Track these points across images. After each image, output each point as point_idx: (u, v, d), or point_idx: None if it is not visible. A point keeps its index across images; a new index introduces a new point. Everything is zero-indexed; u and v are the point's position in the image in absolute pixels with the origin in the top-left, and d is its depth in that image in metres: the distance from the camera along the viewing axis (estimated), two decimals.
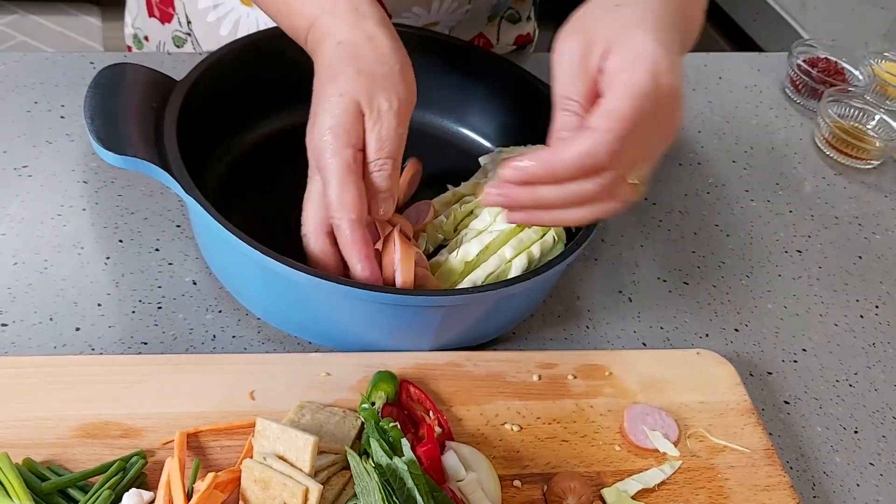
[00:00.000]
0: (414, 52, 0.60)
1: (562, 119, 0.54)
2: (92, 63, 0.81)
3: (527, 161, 0.51)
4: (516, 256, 0.62)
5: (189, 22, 0.88)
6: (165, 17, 0.90)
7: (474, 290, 0.58)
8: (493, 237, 0.62)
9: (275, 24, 0.66)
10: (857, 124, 0.95)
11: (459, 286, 0.61)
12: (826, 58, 1.03)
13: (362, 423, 0.53)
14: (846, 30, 1.23)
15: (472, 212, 0.68)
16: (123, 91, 0.62)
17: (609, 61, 0.52)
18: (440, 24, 0.87)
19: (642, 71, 0.51)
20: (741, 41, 1.35)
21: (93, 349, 0.59)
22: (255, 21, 0.84)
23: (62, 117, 0.76)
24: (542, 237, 0.64)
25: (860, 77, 1.02)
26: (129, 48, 0.97)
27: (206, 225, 0.56)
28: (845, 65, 1.04)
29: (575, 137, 0.51)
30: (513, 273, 0.61)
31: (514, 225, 0.63)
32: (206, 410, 0.54)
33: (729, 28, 1.38)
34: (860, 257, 0.82)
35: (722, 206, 0.84)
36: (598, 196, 0.52)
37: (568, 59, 0.54)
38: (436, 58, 0.76)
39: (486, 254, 0.62)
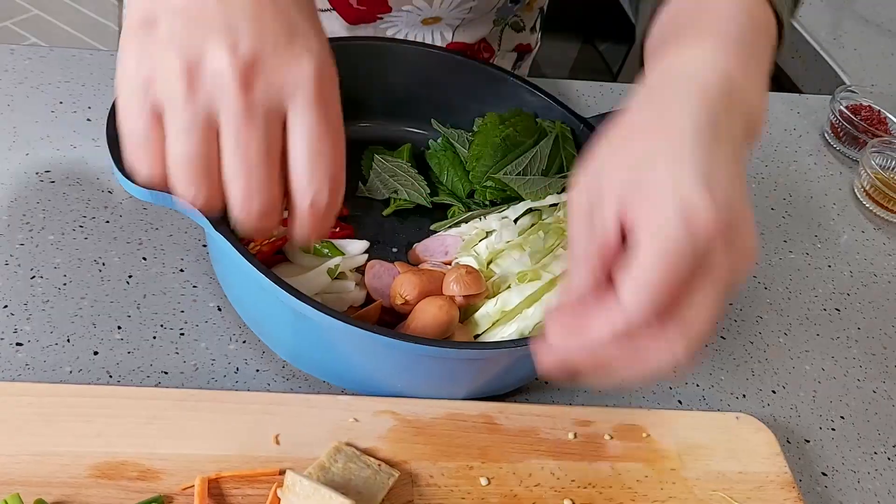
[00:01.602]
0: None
1: (576, 277, 0.43)
2: None
3: (561, 339, 0.41)
4: None
5: None
6: None
7: (523, 341, 0.55)
8: (536, 287, 0.59)
9: None
10: None
11: (500, 336, 0.58)
12: (869, 105, 1.01)
13: (392, 485, 0.50)
14: (885, 73, 1.20)
15: (503, 249, 0.65)
16: None
17: (631, 205, 0.40)
18: (442, 21, 0.84)
19: (667, 223, 0.39)
20: (776, 78, 1.32)
21: (110, 376, 0.56)
22: None
23: (88, 120, 0.73)
24: None
25: None
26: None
27: (236, 265, 0.52)
28: (888, 114, 1.01)
29: (604, 314, 0.40)
30: None
31: (558, 272, 0.61)
32: (228, 454, 0.51)
33: None
34: None
35: (760, 255, 0.82)
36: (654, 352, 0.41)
37: (577, 210, 0.43)
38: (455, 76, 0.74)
39: (527, 301, 0.59)
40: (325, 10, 0.80)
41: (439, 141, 0.74)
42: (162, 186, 0.42)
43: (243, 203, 0.41)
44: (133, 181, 0.52)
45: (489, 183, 0.69)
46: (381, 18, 0.81)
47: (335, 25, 0.81)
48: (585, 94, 0.94)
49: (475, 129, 0.72)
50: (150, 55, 0.40)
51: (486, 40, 0.90)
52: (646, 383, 0.41)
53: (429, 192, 0.71)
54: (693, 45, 0.46)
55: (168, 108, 0.40)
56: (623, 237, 0.41)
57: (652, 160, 0.41)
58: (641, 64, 0.52)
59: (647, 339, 0.41)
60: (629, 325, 0.40)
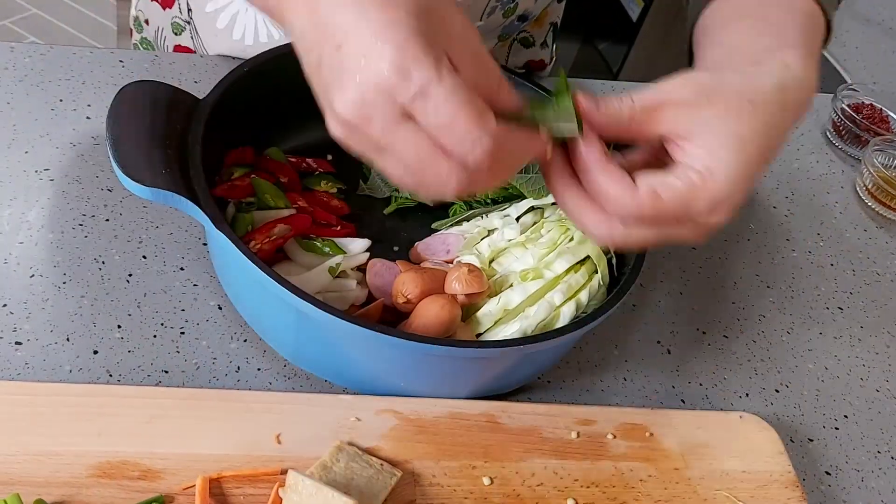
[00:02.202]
0: None
1: (619, 104, 0.48)
2: (122, 61, 0.78)
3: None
4: (565, 304, 0.59)
5: (190, 10, 0.84)
6: (167, 3, 0.87)
7: (527, 340, 0.55)
8: (538, 285, 0.59)
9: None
10: None
11: (502, 335, 0.58)
12: (871, 104, 1.00)
13: (395, 485, 0.50)
14: (887, 71, 1.20)
15: (505, 248, 0.65)
16: (146, 112, 0.57)
17: (697, 150, 0.47)
18: None
19: (707, 193, 0.47)
20: None
21: (110, 375, 0.56)
22: (254, 17, 0.81)
23: (88, 118, 0.72)
24: (588, 281, 0.61)
25: None
26: (131, 31, 0.94)
27: (237, 264, 0.52)
28: (890, 112, 1.01)
29: (615, 176, 0.47)
30: (562, 320, 0.58)
31: (561, 271, 0.60)
32: (230, 453, 0.51)
33: None
34: None
35: (763, 254, 0.81)
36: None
37: (669, 92, 0.48)
38: None
39: (530, 300, 0.59)
40: None
41: None
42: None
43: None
44: (133, 179, 0.52)
45: None
46: None
47: None
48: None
49: None
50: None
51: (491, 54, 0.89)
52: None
53: None
54: (772, 48, 0.53)
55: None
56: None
57: (733, 141, 0.47)
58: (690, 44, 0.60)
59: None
60: (623, 200, 0.47)
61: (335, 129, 0.44)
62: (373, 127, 0.42)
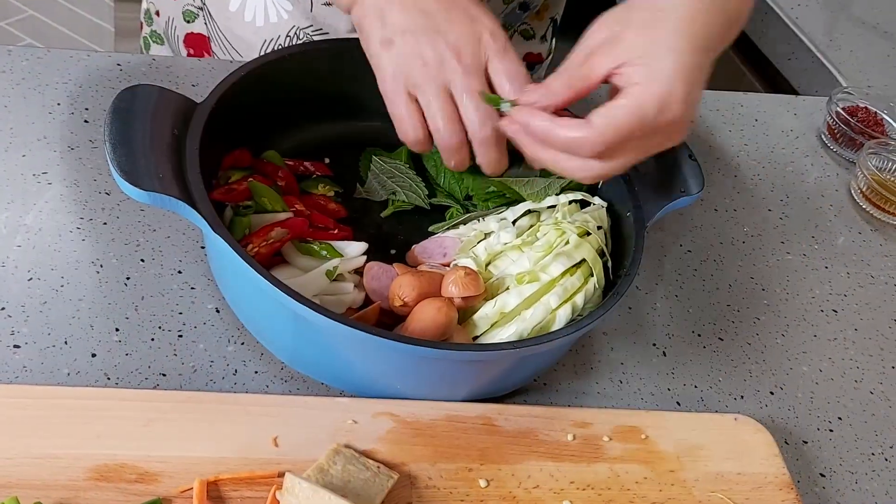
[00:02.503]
0: None
1: (557, 83, 0.57)
2: (119, 65, 0.78)
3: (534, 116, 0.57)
4: (561, 307, 0.59)
5: None
6: None
7: (523, 343, 0.55)
8: (535, 288, 0.59)
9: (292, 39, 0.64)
10: (895, 179, 0.93)
11: (499, 338, 0.58)
12: (866, 107, 1.01)
13: (391, 487, 0.50)
14: (881, 75, 1.21)
15: (502, 251, 0.65)
16: (144, 116, 0.58)
17: (630, 68, 0.55)
18: None
19: (652, 96, 0.54)
20: (772, 79, 1.32)
21: (108, 378, 0.56)
22: (264, 2, 0.82)
23: (86, 121, 0.72)
24: (584, 284, 0.62)
25: None
26: (141, 25, 0.95)
27: (235, 267, 0.52)
28: (885, 115, 1.01)
29: (571, 123, 0.55)
30: (558, 323, 0.59)
31: (557, 274, 0.61)
32: (227, 456, 0.51)
33: (760, 64, 1.35)
34: (895, 321, 0.80)
35: (758, 257, 0.82)
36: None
37: (590, 41, 0.57)
38: None
39: (526, 303, 0.59)
40: (326, 4, 0.80)
41: None
42: (426, 146, 0.61)
43: (482, 120, 0.60)
44: (131, 183, 0.52)
45: (491, 189, 0.69)
46: None
47: (343, 24, 0.81)
48: None
49: None
50: (395, 66, 0.59)
51: None
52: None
53: (427, 193, 0.71)
54: None
55: (421, 91, 0.59)
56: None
57: (665, 43, 0.54)
58: None
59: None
60: (580, 141, 0.54)
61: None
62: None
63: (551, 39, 0.98)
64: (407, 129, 0.60)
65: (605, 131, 0.54)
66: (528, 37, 0.94)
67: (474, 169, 0.70)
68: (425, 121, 0.60)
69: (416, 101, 0.60)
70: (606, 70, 0.56)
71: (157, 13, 0.91)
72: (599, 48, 0.56)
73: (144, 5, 0.94)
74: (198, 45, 0.89)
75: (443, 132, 0.60)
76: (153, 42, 0.93)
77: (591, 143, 0.54)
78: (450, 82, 0.59)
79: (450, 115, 0.59)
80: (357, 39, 0.62)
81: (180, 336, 0.60)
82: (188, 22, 0.88)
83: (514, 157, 0.70)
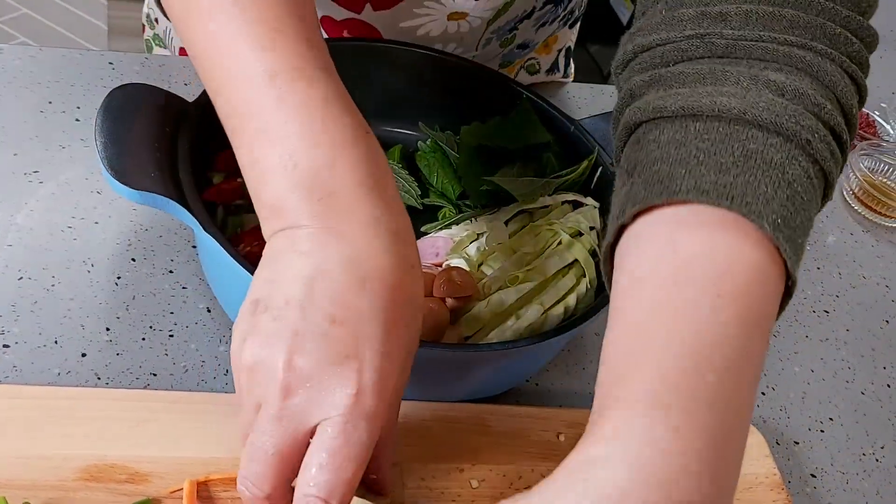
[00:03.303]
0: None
1: None
2: (111, 64, 0.78)
3: None
4: (553, 307, 0.59)
5: None
6: None
7: (515, 343, 0.55)
8: (527, 289, 0.59)
9: None
10: (886, 180, 0.93)
11: (490, 338, 0.58)
12: None
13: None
14: (874, 77, 1.21)
15: (494, 251, 0.65)
16: (136, 115, 0.57)
17: None
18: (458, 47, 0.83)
19: None
20: None
21: (98, 378, 0.56)
22: None
23: (77, 120, 0.72)
24: (577, 285, 0.62)
25: (891, 131, 1.01)
26: (143, 27, 0.94)
27: (226, 266, 0.52)
28: (876, 117, 1.02)
29: None
30: (550, 324, 0.59)
31: (549, 274, 0.61)
32: (218, 456, 0.51)
33: None
34: (887, 321, 0.80)
35: None
36: None
37: None
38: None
39: (519, 303, 0.59)
40: None
41: (428, 143, 0.74)
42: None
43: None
44: (122, 182, 0.52)
45: (484, 187, 0.69)
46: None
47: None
48: (576, 96, 0.94)
49: (458, 138, 0.72)
50: (253, 341, 0.43)
51: None
52: None
53: (420, 193, 0.71)
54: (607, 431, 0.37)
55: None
56: None
57: None
58: None
59: None
60: None
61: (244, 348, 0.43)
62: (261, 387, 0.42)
63: (564, 68, 0.96)
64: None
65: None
66: (532, 71, 0.93)
67: (467, 170, 0.70)
68: None
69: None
70: None
71: (157, 20, 0.91)
72: None
73: (145, 9, 0.94)
74: None
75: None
76: (155, 45, 0.93)
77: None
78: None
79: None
80: (351, 40, 0.62)
81: (171, 336, 0.60)
82: None
83: (508, 161, 0.70)
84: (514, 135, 0.71)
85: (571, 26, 0.93)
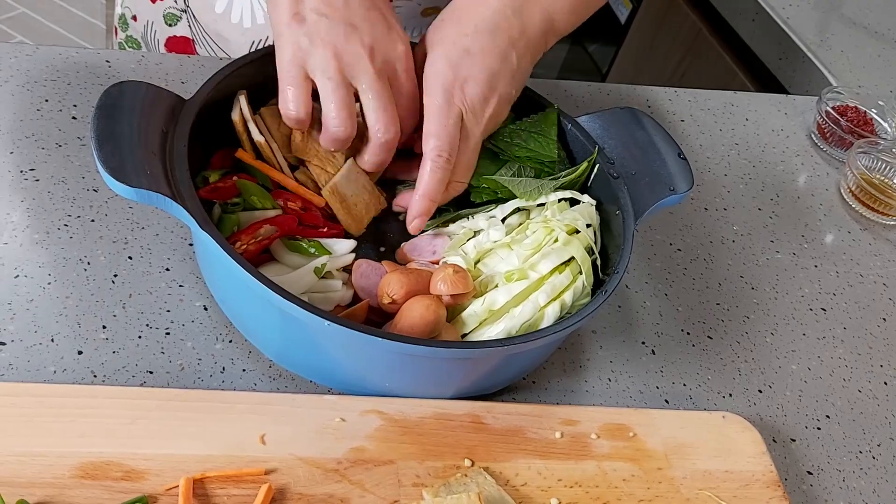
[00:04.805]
0: None
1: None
2: (108, 62, 0.78)
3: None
4: (550, 304, 0.59)
5: None
6: None
7: (511, 340, 0.55)
8: (523, 286, 0.59)
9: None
10: (884, 178, 0.93)
11: (487, 335, 0.58)
12: (855, 107, 1.01)
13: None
14: (871, 75, 1.21)
15: (491, 249, 0.65)
16: (132, 112, 0.57)
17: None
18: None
19: (429, 77, 0.62)
20: (763, 78, 1.33)
21: (95, 376, 0.56)
22: (251, 3, 0.81)
23: (74, 118, 0.72)
24: (573, 282, 0.62)
25: (888, 129, 1.01)
26: (116, 30, 0.94)
27: (222, 264, 0.52)
28: (874, 115, 1.02)
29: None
30: (546, 321, 0.59)
31: (546, 272, 0.61)
32: (214, 453, 0.51)
33: (751, 64, 1.36)
34: (884, 319, 0.80)
35: (748, 256, 0.82)
36: None
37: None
38: None
39: (515, 301, 0.59)
40: None
41: None
42: (304, 126, 0.62)
43: (386, 126, 0.61)
44: (118, 179, 0.52)
45: (485, 185, 0.69)
46: None
47: None
48: (574, 94, 0.94)
49: None
50: (302, 42, 0.58)
51: None
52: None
53: None
54: None
55: (321, 76, 0.59)
56: None
57: (433, 40, 0.64)
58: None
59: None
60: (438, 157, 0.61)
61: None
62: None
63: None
64: (291, 103, 0.60)
65: (434, 144, 0.61)
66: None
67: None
68: (312, 102, 0.60)
69: (312, 81, 0.59)
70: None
71: (135, 17, 0.90)
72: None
73: (119, 10, 0.92)
74: (180, 48, 0.88)
75: (336, 120, 0.59)
76: (128, 47, 0.92)
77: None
78: (354, 78, 0.59)
79: (348, 106, 0.59)
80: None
81: (168, 334, 0.59)
82: (170, 25, 0.87)
83: (503, 159, 0.70)
84: (521, 141, 0.70)
85: None
